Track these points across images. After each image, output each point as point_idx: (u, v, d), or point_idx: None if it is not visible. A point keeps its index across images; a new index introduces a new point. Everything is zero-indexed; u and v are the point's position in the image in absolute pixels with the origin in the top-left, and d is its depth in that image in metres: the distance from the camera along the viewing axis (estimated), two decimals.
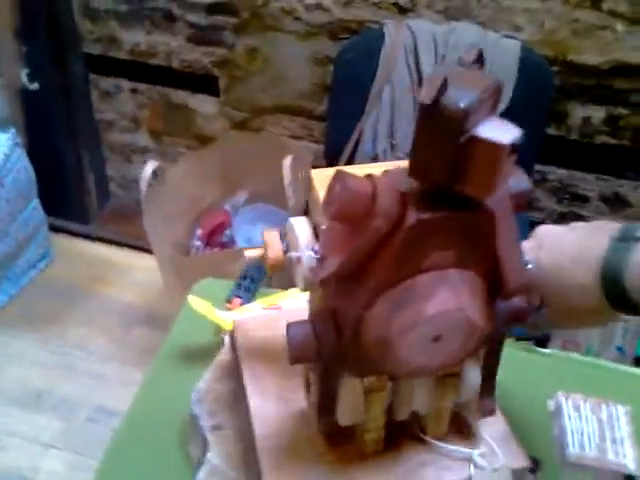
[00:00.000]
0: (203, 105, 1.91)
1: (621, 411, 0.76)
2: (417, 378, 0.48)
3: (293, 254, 0.50)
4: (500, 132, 0.36)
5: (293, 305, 0.80)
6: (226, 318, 0.77)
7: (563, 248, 0.55)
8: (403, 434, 0.54)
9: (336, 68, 1.53)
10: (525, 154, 0.50)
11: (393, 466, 0.53)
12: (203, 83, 1.86)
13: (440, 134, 0.36)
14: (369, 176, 0.40)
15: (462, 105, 0.35)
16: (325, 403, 0.49)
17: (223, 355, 0.70)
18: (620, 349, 1.56)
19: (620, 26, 1.55)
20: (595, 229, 0.57)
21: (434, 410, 0.51)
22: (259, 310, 0.79)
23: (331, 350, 0.44)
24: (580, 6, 1.54)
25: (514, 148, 0.36)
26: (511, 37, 1.54)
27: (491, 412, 0.53)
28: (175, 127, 1.98)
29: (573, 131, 1.71)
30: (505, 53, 1.51)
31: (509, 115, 1.56)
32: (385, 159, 1.57)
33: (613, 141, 1.69)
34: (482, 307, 0.42)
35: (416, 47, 1.51)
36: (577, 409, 0.76)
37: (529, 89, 1.51)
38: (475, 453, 0.53)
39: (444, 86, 0.36)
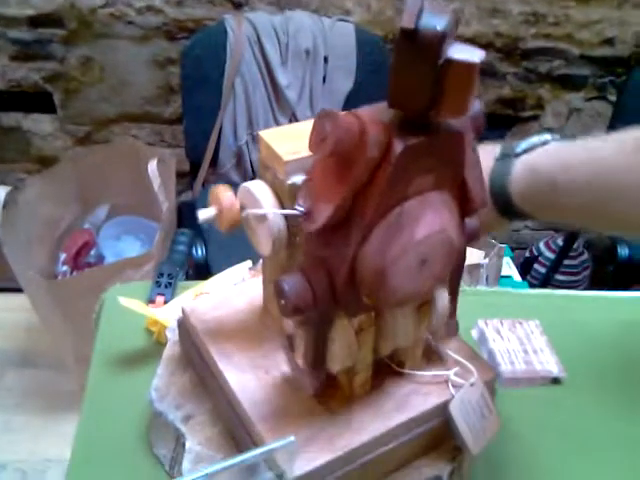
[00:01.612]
0: (39, 124, 1.79)
1: (532, 325, 0.86)
2: (404, 307, 0.51)
3: (254, 211, 0.50)
4: (468, 53, 0.39)
5: (221, 290, 0.80)
6: (160, 315, 0.74)
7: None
8: (382, 372, 0.57)
9: (184, 67, 1.51)
10: None
11: (382, 403, 0.55)
12: (36, 101, 1.75)
13: (420, 60, 0.39)
14: (351, 113, 0.42)
15: (439, 28, 0.38)
16: (318, 354, 0.50)
17: (170, 349, 0.68)
18: None
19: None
20: (483, 152, 0.65)
21: (413, 341, 0.55)
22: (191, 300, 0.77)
23: (326, 295, 0.46)
24: None
25: (481, 67, 0.40)
26: (344, 20, 1.62)
27: (455, 331, 0.57)
28: (10, 152, 1.83)
29: None
30: (342, 36, 1.59)
31: (357, 94, 1.64)
32: (249, 151, 1.58)
33: None
34: (457, 225, 0.46)
35: (259, 38, 1.54)
36: (498, 332, 0.85)
37: (370, 68, 1.60)
38: (451, 374, 0.57)
39: (420, 12, 0.38)
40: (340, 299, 0.46)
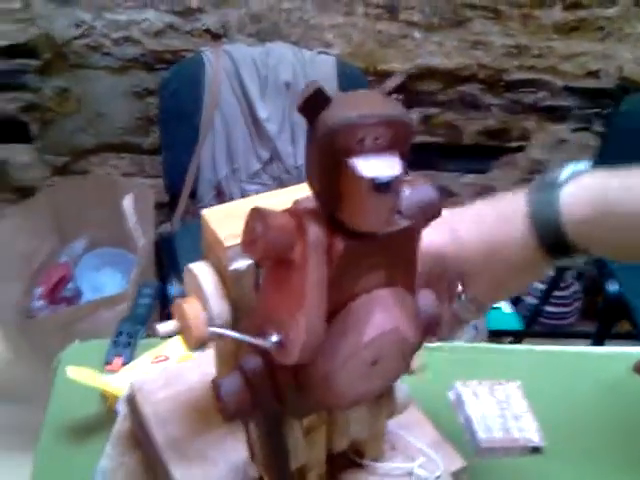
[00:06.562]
0: (16, 154, 1.76)
1: (513, 387, 0.82)
2: (356, 407, 0.47)
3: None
4: (374, 167, 0.35)
5: (179, 351, 0.76)
6: (114, 383, 0.70)
7: (477, 219, 0.55)
8: (341, 463, 0.53)
9: (161, 99, 1.49)
10: None
11: None
12: (11, 131, 1.71)
13: (316, 153, 0.35)
14: (288, 210, 0.38)
15: (330, 123, 0.34)
16: (278, 453, 0.46)
17: (120, 425, 0.64)
18: (475, 327, 1.69)
19: (417, 34, 1.68)
20: (498, 198, 0.57)
21: (371, 433, 0.51)
22: (148, 365, 0.73)
23: (269, 399, 0.42)
24: (380, 18, 1.65)
25: (383, 187, 0.35)
26: (325, 53, 1.60)
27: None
28: None
29: None
30: (323, 69, 1.57)
31: None
32: (228, 185, 1.55)
33: (430, 139, 1.82)
34: (411, 321, 0.43)
35: (238, 71, 1.51)
36: (475, 395, 0.80)
37: None
38: (415, 466, 0.53)
39: (324, 100, 0.34)
40: (284, 403, 0.43)
